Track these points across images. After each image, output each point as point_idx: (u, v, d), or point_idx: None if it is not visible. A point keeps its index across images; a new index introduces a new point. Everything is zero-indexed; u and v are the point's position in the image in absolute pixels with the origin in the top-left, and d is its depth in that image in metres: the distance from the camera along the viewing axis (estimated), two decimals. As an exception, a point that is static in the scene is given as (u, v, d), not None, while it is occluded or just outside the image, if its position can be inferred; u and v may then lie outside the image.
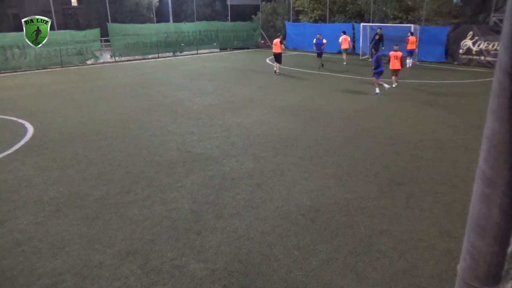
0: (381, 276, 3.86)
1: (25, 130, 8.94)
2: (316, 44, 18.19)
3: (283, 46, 17.25)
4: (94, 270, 3.97)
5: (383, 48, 19.56)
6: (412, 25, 19.46)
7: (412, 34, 18.30)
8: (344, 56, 20.26)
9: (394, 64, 13.08)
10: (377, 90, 12.42)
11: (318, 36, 18.38)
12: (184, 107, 11.09)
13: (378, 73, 12.20)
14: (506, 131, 0.95)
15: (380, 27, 20.28)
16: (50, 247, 4.39)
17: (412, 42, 18.14)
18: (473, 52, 18.54)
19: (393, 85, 13.26)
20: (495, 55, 17.30)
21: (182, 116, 10.07)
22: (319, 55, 18.29)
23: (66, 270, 3.97)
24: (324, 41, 17.88)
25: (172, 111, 10.62)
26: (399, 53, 13.05)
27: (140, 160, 7.05)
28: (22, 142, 8.07)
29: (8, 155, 7.38)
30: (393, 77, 13.37)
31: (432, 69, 18.34)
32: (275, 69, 17.09)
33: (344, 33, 20.11)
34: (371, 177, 6.18)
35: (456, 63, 19.21)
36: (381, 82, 12.32)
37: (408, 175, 6.27)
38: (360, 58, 21.45)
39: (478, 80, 15.18)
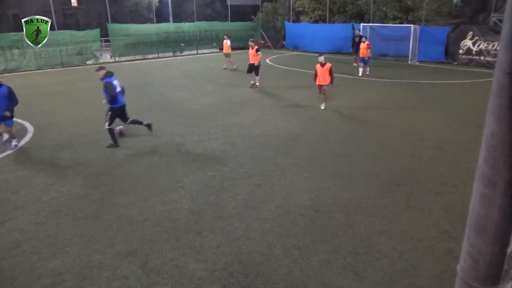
0: (381, 276, 3.86)
1: (25, 130, 8.94)
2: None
3: None
4: (94, 270, 3.97)
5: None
6: (412, 25, 19.47)
7: (365, 39, 16.01)
8: (225, 59, 18.54)
9: (320, 79, 10.26)
10: (14, 142, 7.66)
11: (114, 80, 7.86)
12: (184, 107, 11.09)
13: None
14: (506, 131, 0.95)
15: (359, 29, 19.61)
16: (50, 247, 4.39)
17: (363, 49, 15.57)
18: (473, 52, 18.54)
19: (322, 107, 10.44)
20: (495, 55, 17.29)
21: (182, 116, 10.07)
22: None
23: (66, 270, 3.98)
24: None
25: (172, 111, 10.61)
26: (328, 65, 10.08)
27: (140, 160, 7.05)
28: (22, 142, 8.07)
29: (8, 155, 7.39)
30: (322, 95, 10.50)
31: (432, 69, 18.33)
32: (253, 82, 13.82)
33: (228, 37, 18.22)
34: (371, 177, 6.18)
35: (456, 63, 19.21)
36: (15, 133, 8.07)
37: (408, 175, 6.27)
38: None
39: (478, 80, 15.17)
